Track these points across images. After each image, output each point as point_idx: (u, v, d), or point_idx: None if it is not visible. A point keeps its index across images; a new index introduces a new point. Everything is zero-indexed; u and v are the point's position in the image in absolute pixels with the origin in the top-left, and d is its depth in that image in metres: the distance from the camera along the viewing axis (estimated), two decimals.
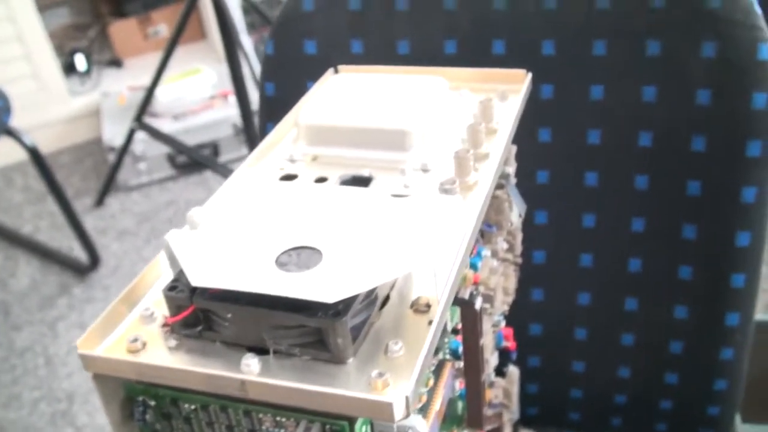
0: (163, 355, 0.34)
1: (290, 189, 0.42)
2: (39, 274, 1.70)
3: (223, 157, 2.01)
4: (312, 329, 0.33)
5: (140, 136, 1.89)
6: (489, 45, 0.64)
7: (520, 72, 0.54)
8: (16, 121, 1.56)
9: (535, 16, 0.63)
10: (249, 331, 0.34)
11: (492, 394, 0.59)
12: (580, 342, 0.71)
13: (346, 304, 0.32)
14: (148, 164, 1.97)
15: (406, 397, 0.30)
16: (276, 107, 0.69)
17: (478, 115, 0.50)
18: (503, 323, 0.63)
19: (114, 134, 1.95)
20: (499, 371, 0.60)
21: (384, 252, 0.35)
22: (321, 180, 0.47)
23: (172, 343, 0.35)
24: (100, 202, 1.93)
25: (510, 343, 0.62)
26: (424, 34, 0.65)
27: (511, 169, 0.53)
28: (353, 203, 0.40)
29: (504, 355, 0.61)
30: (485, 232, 0.53)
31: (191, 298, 0.34)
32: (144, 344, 0.35)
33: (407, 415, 0.30)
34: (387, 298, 0.37)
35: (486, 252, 0.54)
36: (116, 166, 1.90)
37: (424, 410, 0.41)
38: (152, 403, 0.37)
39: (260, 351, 0.34)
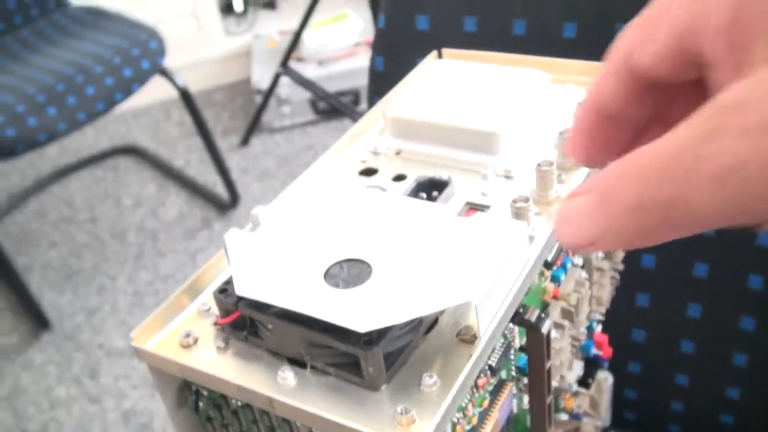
0: (209, 356, 0.35)
1: (356, 196, 0.41)
2: (186, 207, 1.82)
3: (363, 106, 2.03)
4: (346, 352, 0.32)
5: (285, 80, 1.94)
6: (611, 30, 0.59)
7: None
8: (174, 60, 1.65)
9: None
10: (289, 344, 0.34)
11: (574, 404, 0.57)
12: (685, 355, 0.66)
13: (381, 333, 0.32)
14: (292, 108, 2.03)
15: None
16: (384, 83, 0.68)
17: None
18: (598, 328, 0.60)
19: (262, 77, 2.02)
20: (584, 382, 0.57)
21: (434, 280, 0.34)
22: (399, 178, 0.46)
23: (221, 343, 0.36)
24: (245, 141, 2.02)
25: (603, 351, 0.59)
26: (542, 14, 0.61)
27: None
28: (417, 218, 0.38)
29: (593, 364, 0.58)
30: None
31: (237, 304, 0.35)
32: (196, 340, 0.36)
33: None
34: (435, 322, 0.36)
35: (576, 261, 0.51)
36: (261, 109, 1.97)
37: None
38: (205, 393, 0.38)
39: (302, 363, 0.34)
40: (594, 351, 0.58)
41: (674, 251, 0.64)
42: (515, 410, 0.46)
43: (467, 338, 0.34)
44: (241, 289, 0.34)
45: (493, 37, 0.64)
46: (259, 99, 2.01)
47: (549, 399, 0.44)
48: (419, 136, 0.47)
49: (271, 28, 2.26)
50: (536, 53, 0.52)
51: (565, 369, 0.48)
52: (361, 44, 2.06)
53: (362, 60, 2.02)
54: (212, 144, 1.73)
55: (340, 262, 0.36)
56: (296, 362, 0.34)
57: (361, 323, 0.31)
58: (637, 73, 0.26)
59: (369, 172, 0.47)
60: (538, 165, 0.41)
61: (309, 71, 1.97)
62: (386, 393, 0.32)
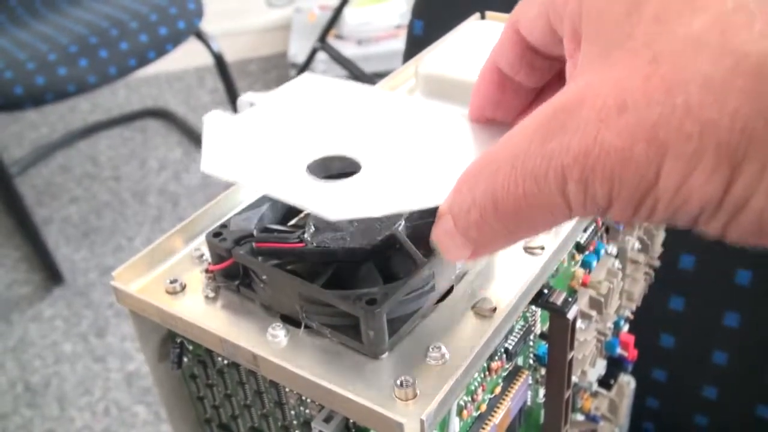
0: (195, 305, 0.32)
1: (362, 91, 0.36)
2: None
3: None
4: (345, 312, 0.29)
5: (322, 56, 1.90)
6: None
7: None
8: (213, 27, 1.62)
9: None
10: (284, 299, 0.30)
11: (592, 405, 0.53)
12: (717, 366, 0.61)
13: (385, 294, 0.28)
14: None
15: (422, 421, 0.25)
16: (421, 49, 0.64)
17: None
18: (625, 327, 0.56)
19: (298, 51, 1.99)
20: (606, 382, 0.53)
21: (425, 179, 0.28)
22: None
23: (210, 292, 0.32)
24: None
25: (628, 352, 0.54)
26: None
27: None
28: (421, 118, 0.34)
29: (616, 365, 0.54)
30: (611, 227, 0.45)
31: (231, 250, 0.31)
32: (183, 287, 0.33)
33: None
34: (450, 291, 0.32)
35: (610, 249, 0.47)
36: None
37: (481, 420, 0.36)
38: (190, 347, 0.35)
39: (296, 322, 0.31)
40: (619, 351, 0.54)
41: (716, 254, 0.59)
42: (529, 403, 0.42)
43: (484, 311, 0.30)
44: (208, 166, 0.30)
45: None
46: (293, 73, 1.97)
47: (568, 393, 0.40)
48: (453, 95, 0.43)
49: (313, 3, 2.22)
50: None
51: (588, 364, 0.44)
52: (401, 27, 2.01)
53: (402, 43, 1.97)
54: None
55: (326, 158, 0.31)
56: (290, 321, 0.31)
57: (334, 211, 0.26)
58: (523, 40, 0.27)
59: None
60: None
61: (347, 49, 1.93)
62: (387, 362, 0.28)
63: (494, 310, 0.30)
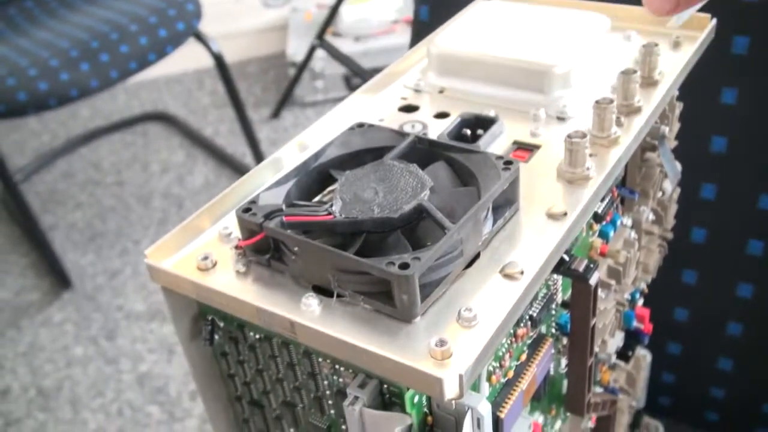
0: (227, 279, 0.32)
1: None
2: (212, 175, 1.80)
3: None
4: (378, 278, 0.29)
5: (320, 53, 1.90)
6: None
7: (703, 17, 0.46)
8: (211, 28, 1.62)
9: None
10: (315, 270, 0.31)
11: (611, 378, 0.53)
12: (731, 338, 0.62)
13: (417, 257, 0.28)
14: (325, 82, 2.00)
15: (460, 376, 0.26)
16: (428, 33, 0.64)
17: (637, 62, 0.43)
18: (640, 301, 0.56)
19: (297, 49, 1.99)
20: (624, 354, 0.53)
21: None
22: (442, 115, 0.43)
23: (241, 267, 0.33)
24: (276, 114, 1.99)
25: (644, 326, 0.55)
26: None
27: (669, 131, 0.45)
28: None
29: (633, 338, 0.54)
30: (626, 198, 0.46)
31: (262, 225, 0.32)
32: (214, 263, 0.33)
33: (460, 396, 0.26)
34: (477, 256, 0.32)
35: (625, 221, 0.48)
36: (294, 81, 1.95)
37: (509, 386, 0.36)
38: (221, 324, 0.36)
39: (327, 292, 0.31)
40: (635, 324, 0.54)
41: (727, 226, 0.60)
42: (552, 372, 0.42)
43: (513, 274, 0.31)
44: None
45: None
46: (293, 71, 1.98)
47: (591, 361, 0.41)
48: (465, 73, 0.44)
49: (309, 2, 2.23)
50: None
51: (608, 334, 0.45)
52: (399, 22, 2.02)
53: (399, 38, 1.98)
54: (243, 114, 1.70)
55: None
56: (322, 291, 0.31)
57: None
58: None
59: (409, 108, 0.44)
60: (597, 102, 0.38)
61: (345, 46, 1.94)
62: (420, 325, 0.29)
63: (522, 272, 0.31)
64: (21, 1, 1.62)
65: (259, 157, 1.76)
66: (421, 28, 0.66)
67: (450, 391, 0.26)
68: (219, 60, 1.60)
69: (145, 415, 1.26)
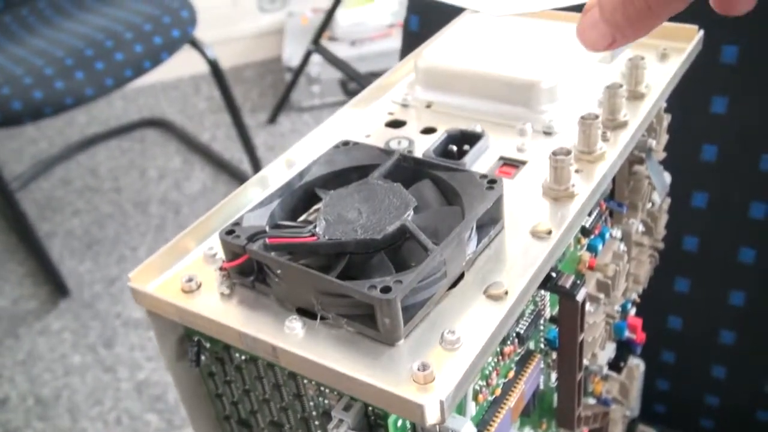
0: (211, 302, 0.32)
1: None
2: (210, 181, 1.80)
3: None
4: (361, 301, 0.29)
5: (316, 59, 1.90)
6: None
7: (690, 28, 0.46)
8: (208, 34, 1.62)
9: None
10: (299, 292, 0.31)
11: (603, 388, 0.53)
12: (725, 345, 0.62)
13: (398, 282, 0.28)
14: (322, 87, 2.00)
15: (441, 402, 0.26)
16: (418, 44, 0.64)
17: (623, 75, 0.43)
18: (632, 311, 0.56)
19: (293, 54, 1.99)
20: (616, 365, 0.53)
21: None
22: (429, 131, 0.43)
23: (225, 290, 0.33)
24: (273, 119, 1.99)
25: (636, 335, 0.55)
26: None
27: (657, 143, 0.45)
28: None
29: (625, 348, 0.54)
30: (614, 211, 0.46)
31: (245, 247, 0.32)
32: (199, 285, 0.33)
33: (442, 421, 0.26)
34: (461, 277, 0.32)
35: (614, 233, 0.48)
36: (291, 86, 1.95)
37: (496, 404, 0.36)
38: (207, 345, 0.36)
39: (313, 314, 0.31)
40: (627, 334, 0.54)
41: (719, 234, 0.59)
42: (542, 387, 0.42)
43: (497, 294, 0.31)
44: None
45: None
46: (289, 77, 1.98)
47: (580, 375, 0.41)
48: (452, 87, 0.44)
49: (305, 6, 2.23)
50: None
51: (598, 347, 0.45)
52: (394, 26, 2.02)
53: (395, 42, 1.98)
54: (239, 120, 1.70)
55: None
56: (306, 314, 0.31)
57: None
58: None
59: (396, 124, 0.44)
60: (582, 118, 0.38)
61: (341, 51, 1.94)
62: (403, 348, 0.29)
63: (506, 293, 0.31)
64: (16, 9, 1.62)
65: (255, 162, 1.76)
66: (412, 39, 0.66)
67: (431, 417, 0.26)
68: (214, 66, 1.60)
69: (144, 424, 1.26)
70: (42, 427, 1.27)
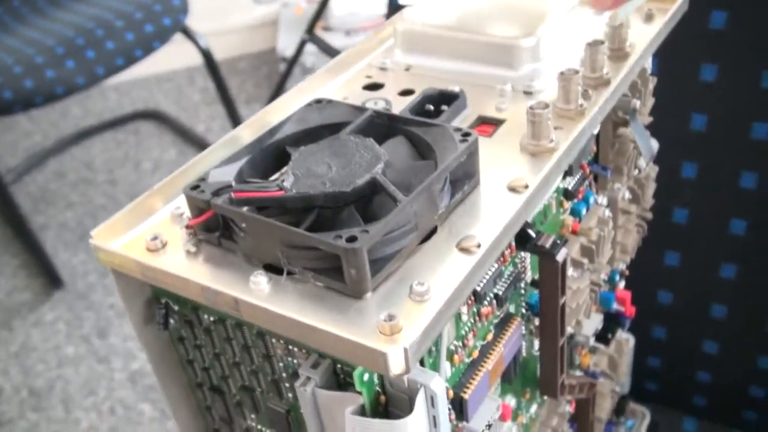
0: (177, 259, 0.31)
1: None
2: None
3: None
4: (328, 254, 0.28)
5: (311, 48, 1.89)
6: None
7: None
8: (201, 26, 1.61)
9: None
10: (265, 246, 0.30)
11: (591, 361, 0.52)
12: (716, 320, 0.61)
13: (365, 230, 0.27)
14: None
15: (405, 350, 0.25)
16: None
17: (607, 35, 0.42)
18: (621, 284, 0.55)
19: (287, 45, 1.98)
20: (604, 337, 0.52)
21: None
22: (407, 93, 0.42)
23: (191, 247, 0.32)
24: None
25: (625, 308, 0.54)
26: None
27: (642, 104, 0.44)
28: None
29: (614, 320, 0.53)
30: (600, 175, 0.45)
31: (210, 202, 0.31)
32: (164, 244, 0.32)
33: (407, 371, 0.25)
34: (434, 231, 0.31)
35: (600, 200, 0.47)
36: (285, 77, 1.93)
37: (473, 366, 0.35)
38: (176, 308, 0.35)
39: (280, 270, 0.30)
40: (616, 306, 0.53)
41: (709, 206, 0.58)
42: (524, 354, 0.41)
43: (468, 247, 0.30)
44: None
45: None
46: (284, 67, 1.96)
47: (562, 341, 0.40)
48: (432, 49, 0.43)
49: None
50: None
51: (582, 314, 0.44)
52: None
53: None
54: (234, 111, 1.69)
55: None
56: (273, 269, 0.30)
57: None
58: None
59: (374, 87, 0.43)
60: (561, 74, 0.37)
61: (336, 40, 1.92)
62: (371, 301, 0.28)
63: (479, 246, 0.30)
64: None
65: None
66: (395, 11, 0.65)
67: (396, 367, 0.25)
68: (207, 56, 1.59)
69: (138, 413, 1.25)
70: (36, 418, 1.26)
